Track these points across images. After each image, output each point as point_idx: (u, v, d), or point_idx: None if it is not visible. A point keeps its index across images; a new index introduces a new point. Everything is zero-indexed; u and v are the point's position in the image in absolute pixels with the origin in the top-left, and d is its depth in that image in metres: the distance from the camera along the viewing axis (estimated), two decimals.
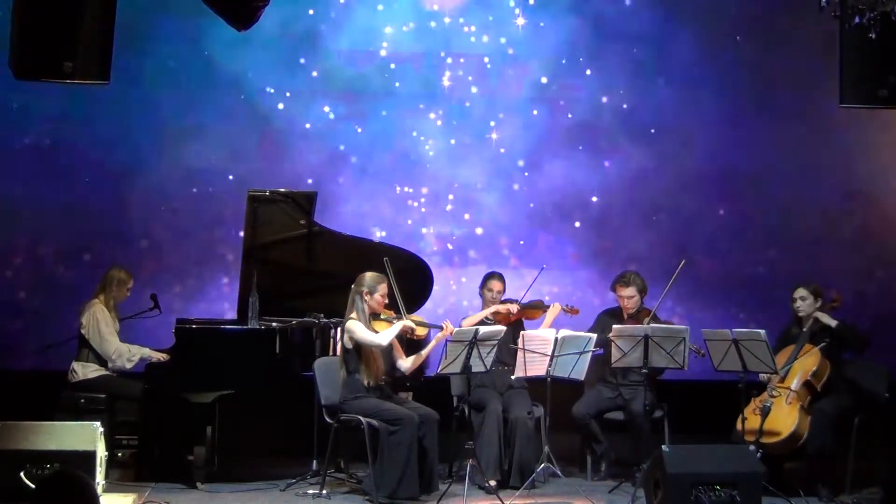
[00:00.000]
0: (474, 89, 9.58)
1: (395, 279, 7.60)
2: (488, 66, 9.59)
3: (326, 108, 9.41)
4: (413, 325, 7.55)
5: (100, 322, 7.93)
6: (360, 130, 9.46)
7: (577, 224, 9.60)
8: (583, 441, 8.18)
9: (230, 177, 9.25)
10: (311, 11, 9.35)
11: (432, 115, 9.54)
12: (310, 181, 9.20)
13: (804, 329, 7.79)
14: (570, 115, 9.59)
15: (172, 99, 9.20)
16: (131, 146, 9.18)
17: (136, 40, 8.78)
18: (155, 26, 9.10)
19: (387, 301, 7.57)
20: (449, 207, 9.55)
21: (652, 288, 8.28)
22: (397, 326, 7.47)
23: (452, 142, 9.55)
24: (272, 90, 9.36)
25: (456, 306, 9.21)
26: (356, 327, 7.41)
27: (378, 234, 9.19)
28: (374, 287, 7.51)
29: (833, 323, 7.76)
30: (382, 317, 7.60)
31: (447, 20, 9.51)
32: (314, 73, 9.40)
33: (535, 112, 9.59)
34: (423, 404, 7.52)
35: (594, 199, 9.60)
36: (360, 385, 7.40)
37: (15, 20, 6.63)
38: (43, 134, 9.12)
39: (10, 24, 6.67)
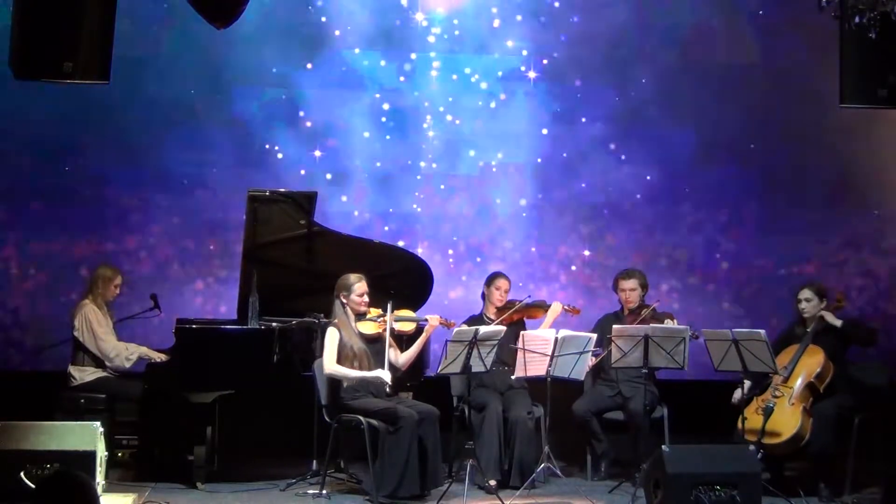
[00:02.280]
0: (483, 84, 9.55)
1: (395, 280, 7.56)
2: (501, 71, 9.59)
3: (326, 109, 9.41)
4: (387, 379, 7.36)
5: (92, 322, 7.89)
6: (362, 132, 9.45)
7: (584, 231, 9.57)
8: (583, 440, 8.17)
9: (230, 176, 9.24)
10: (310, 8, 9.37)
11: (434, 117, 9.53)
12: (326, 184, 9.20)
13: (808, 329, 7.78)
14: (583, 120, 9.56)
15: (169, 98, 9.19)
16: (129, 146, 9.17)
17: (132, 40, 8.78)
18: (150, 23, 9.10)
19: (367, 299, 7.55)
20: (451, 212, 9.55)
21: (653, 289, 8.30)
22: (359, 373, 7.37)
23: (455, 142, 9.55)
24: (272, 89, 9.35)
25: (456, 307, 9.20)
26: (327, 340, 7.40)
27: (379, 235, 9.16)
28: (350, 286, 7.49)
29: (838, 323, 7.72)
30: (368, 316, 7.58)
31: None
32: (314, 71, 9.39)
33: (545, 118, 9.58)
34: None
35: (602, 205, 9.60)
36: (346, 388, 7.41)
37: (15, 20, 6.63)
38: (39, 134, 9.09)
39: (10, 24, 6.67)
